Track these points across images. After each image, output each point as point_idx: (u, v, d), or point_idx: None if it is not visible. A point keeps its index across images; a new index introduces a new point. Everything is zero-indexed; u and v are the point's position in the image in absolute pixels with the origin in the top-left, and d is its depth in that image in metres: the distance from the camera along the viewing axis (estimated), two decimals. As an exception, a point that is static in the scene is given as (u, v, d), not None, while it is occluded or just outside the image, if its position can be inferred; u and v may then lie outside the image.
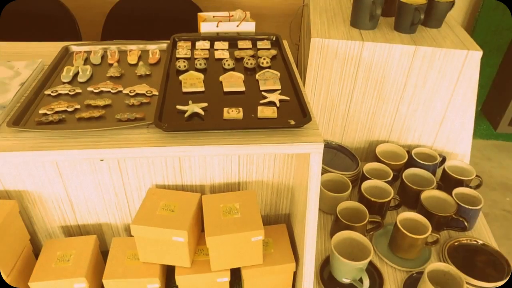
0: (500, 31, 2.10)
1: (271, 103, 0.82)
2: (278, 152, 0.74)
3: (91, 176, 0.95)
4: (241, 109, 0.79)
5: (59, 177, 0.94)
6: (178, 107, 0.79)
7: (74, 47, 1.01)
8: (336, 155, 1.32)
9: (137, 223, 0.85)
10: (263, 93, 0.85)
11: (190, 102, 0.80)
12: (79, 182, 0.96)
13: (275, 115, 0.79)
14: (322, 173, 1.20)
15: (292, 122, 0.76)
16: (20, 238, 0.93)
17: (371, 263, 1.04)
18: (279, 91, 0.86)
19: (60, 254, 0.91)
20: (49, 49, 1.00)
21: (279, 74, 0.91)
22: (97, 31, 1.82)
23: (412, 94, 1.21)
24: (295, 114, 0.79)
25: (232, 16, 1.13)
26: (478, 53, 1.12)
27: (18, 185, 0.94)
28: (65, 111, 0.79)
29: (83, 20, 1.79)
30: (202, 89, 0.86)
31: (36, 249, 0.98)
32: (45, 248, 0.93)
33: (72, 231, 1.04)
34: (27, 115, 0.78)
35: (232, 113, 0.78)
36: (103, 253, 0.99)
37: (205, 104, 0.80)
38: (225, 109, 0.79)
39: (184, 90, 0.85)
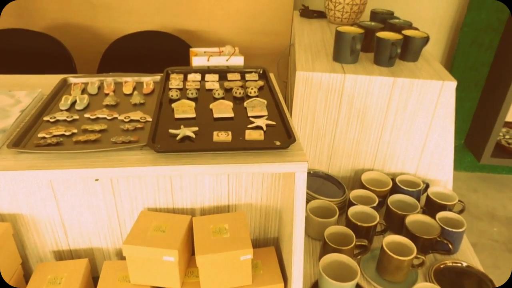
0: (477, 66, 2.22)
1: (258, 127, 0.87)
2: (265, 171, 0.78)
3: (85, 199, 0.98)
4: (230, 132, 0.84)
5: (54, 200, 0.97)
6: (171, 131, 0.84)
7: (72, 78, 1.07)
8: (324, 183, 1.36)
9: (129, 243, 0.87)
10: (250, 118, 0.91)
11: (182, 126, 0.85)
12: (73, 206, 0.98)
13: (262, 137, 0.83)
14: (310, 200, 1.23)
15: (278, 143, 0.81)
16: (12, 262, 0.94)
17: (359, 287, 1.05)
18: (265, 117, 0.91)
19: (51, 277, 0.92)
20: (48, 81, 1.06)
21: (266, 102, 0.97)
22: (93, 70, 1.89)
23: (393, 123, 1.28)
24: (280, 137, 0.84)
25: (222, 51, 1.20)
26: (453, 83, 1.20)
27: (13, 208, 0.97)
28: (63, 135, 0.83)
29: (79, 58, 1.87)
30: (193, 115, 0.91)
31: (26, 274, 0.99)
32: (36, 271, 0.94)
33: (63, 256, 1.06)
34: (26, 138, 0.82)
35: (222, 136, 0.83)
36: (93, 279, 1.00)
37: (196, 128, 0.85)
38: (215, 133, 0.84)
39: (176, 116, 0.91)
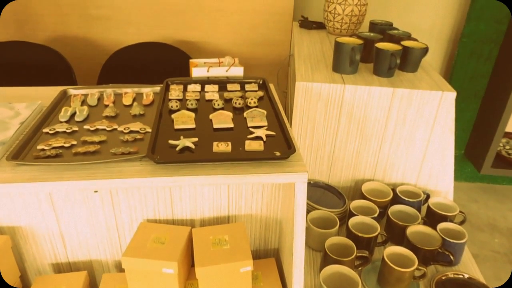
0: (476, 77, 2.23)
1: (258, 138, 0.87)
2: (265, 181, 0.78)
3: (84, 211, 0.97)
4: (229, 143, 0.84)
5: (53, 212, 0.96)
6: (170, 141, 0.84)
7: (72, 90, 1.07)
8: (324, 193, 1.36)
9: (128, 255, 0.86)
10: (250, 129, 0.91)
11: (181, 137, 0.85)
12: (72, 218, 0.98)
13: (261, 148, 0.83)
14: (310, 211, 1.23)
15: (278, 154, 0.80)
16: (11, 275, 0.94)
17: (360, 299, 1.04)
18: (265, 127, 0.91)
19: (50, 290, 0.92)
20: (48, 93, 1.06)
21: (265, 112, 0.97)
22: (93, 81, 1.90)
23: (393, 133, 1.28)
24: (280, 147, 0.83)
25: (222, 62, 1.21)
26: (452, 94, 1.20)
27: (12, 220, 0.96)
28: (62, 146, 0.83)
29: (80, 70, 1.88)
30: (193, 126, 0.91)
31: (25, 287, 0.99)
32: (35, 284, 0.94)
33: (62, 269, 1.05)
34: (26, 150, 0.81)
35: (221, 146, 0.83)
36: (93, 291, 1.00)
37: (195, 139, 0.85)
38: (215, 143, 0.84)
39: (176, 127, 0.91)
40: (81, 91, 1.08)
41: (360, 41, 1.28)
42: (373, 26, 1.54)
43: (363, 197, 1.30)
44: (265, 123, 0.93)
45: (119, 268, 1.07)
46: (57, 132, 0.89)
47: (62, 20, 1.95)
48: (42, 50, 1.83)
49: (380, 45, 1.27)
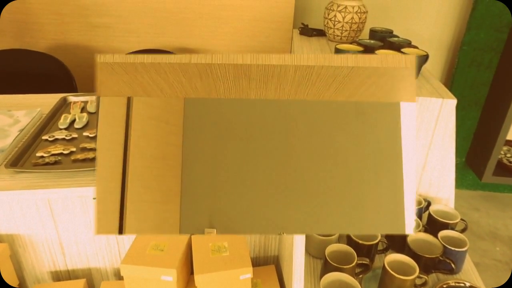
0: (476, 86, 2.23)
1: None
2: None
3: (83, 218, 0.97)
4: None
5: (51, 220, 0.96)
6: (169, 148, 0.84)
7: (72, 97, 1.07)
8: (324, 201, 1.35)
9: (127, 263, 0.86)
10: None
11: (180, 144, 0.85)
12: (71, 225, 0.97)
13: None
14: (311, 218, 1.22)
15: (277, 161, 0.80)
16: (9, 284, 0.93)
17: (361, 307, 1.03)
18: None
19: (48, 298, 0.91)
20: (48, 100, 1.06)
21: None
22: (94, 89, 1.90)
23: (393, 141, 1.27)
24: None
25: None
26: (453, 101, 1.20)
27: (10, 228, 0.96)
28: (61, 153, 0.83)
29: (80, 78, 1.88)
30: (193, 133, 0.91)
31: (23, 296, 0.98)
32: (33, 292, 0.93)
33: (61, 277, 1.04)
34: (25, 157, 0.81)
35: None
36: (91, 300, 0.99)
37: (195, 146, 0.85)
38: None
39: (175, 134, 0.90)
40: (81, 98, 1.08)
41: (360, 48, 1.28)
42: (373, 33, 1.54)
43: (363, 204, 1.29)
44: (265, 130, 0.92)
45: (118, 276, 1.06)
46: (56, 139, 0.89)
47: (63, 28, 1.96)
48: (43, 58, 1.84)
49: (381, 52, 1.28)
